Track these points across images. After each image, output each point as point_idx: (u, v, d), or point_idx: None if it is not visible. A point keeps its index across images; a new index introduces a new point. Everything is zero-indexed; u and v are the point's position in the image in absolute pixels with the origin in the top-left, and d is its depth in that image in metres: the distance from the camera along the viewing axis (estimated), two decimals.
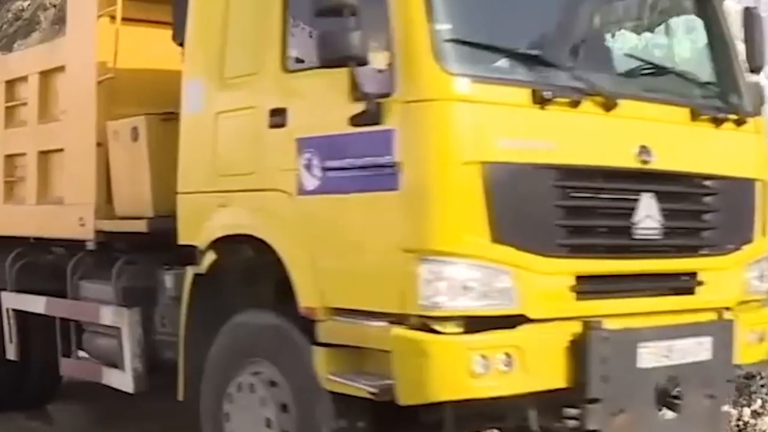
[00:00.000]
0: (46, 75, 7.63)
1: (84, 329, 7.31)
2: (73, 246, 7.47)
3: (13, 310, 8.07)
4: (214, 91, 5.83)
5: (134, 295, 6.66)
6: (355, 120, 4.87)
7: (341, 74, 4.93)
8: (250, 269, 5.90)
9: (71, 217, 7.11)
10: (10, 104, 8.13)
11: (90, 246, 6.96)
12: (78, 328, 7.32)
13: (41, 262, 8.11)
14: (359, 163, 4.91)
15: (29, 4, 22.13)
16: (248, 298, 5.88)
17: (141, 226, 6.41)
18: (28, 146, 7.80)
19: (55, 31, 20.18)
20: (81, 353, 7.61)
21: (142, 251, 6.83)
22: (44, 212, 7.59)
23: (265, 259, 5.72)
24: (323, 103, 5.14)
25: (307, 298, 5.14)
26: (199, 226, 5.88)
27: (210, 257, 5.82)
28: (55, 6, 21.59)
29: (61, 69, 7.38)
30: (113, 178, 6.78)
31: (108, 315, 6.76)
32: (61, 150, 7.36)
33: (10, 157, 8.12)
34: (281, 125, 5.33)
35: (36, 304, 7.74)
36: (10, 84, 8.12)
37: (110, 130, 6.76)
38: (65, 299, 7.38)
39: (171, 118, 6.44)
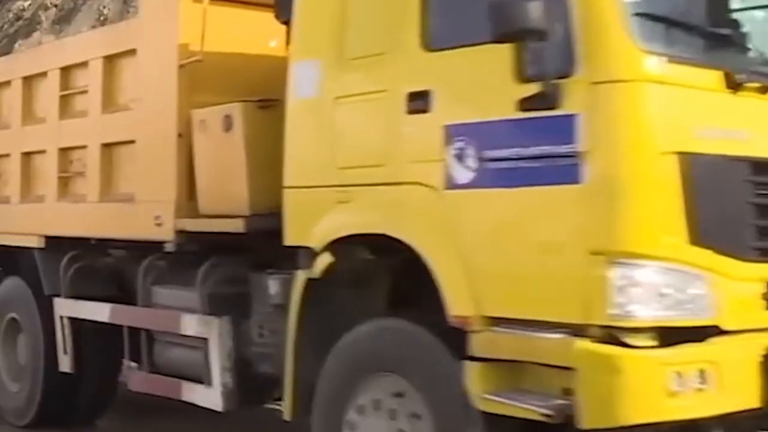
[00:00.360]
0: (111, 60, 7.00)
1: (155, 339, 6.71)
2: (138, 247, 6.88)
3: (69, 318, 7.44)
4: (333, 73, 5.26)
5: (223, 302, 6.07)
6: (527, 104, 4.32)
7: (502, 51, 4.38)
8: (367, 273, 5.35)
9: (144, 216, 6.50)
10: (65, 93, 7.49)
11: (169, 248, 6.34)
12: (149, 338, 6.71)
13: (99, 265, 7.51)
14: (530, 152, 4.35)
15: (30, 4, 21.80)
16: (366, 306, 5.35)
17: (237, 226, 5.80)
18: (88, 138, 7.17)
19: (56, 31, 19.94)
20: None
21: (224, 253, 6.24)
22: (109, 211, 6.96)
23: (386, 262, 5.21)
24: (480, 85, 4.58)
25: (458, 306, 4.57)
26: (313, 224, 5.30)
27: (325, 260, 5.24)
28: (56, 6, 21.27)
29: (131, 53, 6.76)
30: (198, 172, 6.17)
31: (192, 324, 6.16)
32: (131, 142, 6.73)
33: (64, 151, 7.48)
34: (423, 110, 4.77)
35: (98, 311, 7.12)
36: (66, 71, 7.48)
37: (196, 119, 6.15)
38: (135, 306, 6.77)
39: (269, 105, 5.89)
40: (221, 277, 6.15)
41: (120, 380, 7.92)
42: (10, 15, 21.66)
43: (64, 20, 21.02)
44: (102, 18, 20.09)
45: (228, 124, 5.89)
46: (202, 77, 6.28)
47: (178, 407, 6.94)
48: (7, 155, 8.18)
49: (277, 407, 7.89)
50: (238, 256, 6.20)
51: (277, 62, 6.51)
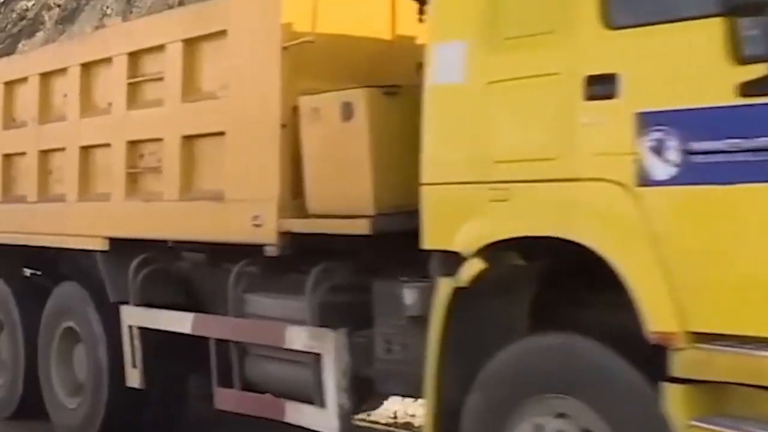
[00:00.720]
0: (192, 43, 6.46)
1: (247, 353, 6.18)
2: (221, 251, 6.36)
3: (139, 328, 6.90)
4: (484, 55, 4.75)
5: (337, 312, 5.56)
6: (752, 88, 3.81)
7: (711, 28, 3.90)
8: (515, 280, 4.87)
9: (238, 216, 5.97)
10: (134, 80, 6.94)
11: (270, 252, 5.80)
12: (240, 352, 6.18)
13: (172, 270, 6.98)
14: (754, 144, 3.83)
15: (33, 4, 21.74)
16: (513, 318, 4.88)
17: (362, 227, 5.28)
18: (164, 130, 6.63)
19: (59, 31, 19.78)
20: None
21: (332, 257, 5.72)
22: (191, 210, 6.41)
23: (533, 268, 4.75)
24: (683, 67, 4.05)
25: (659, 320, 4.07)
26: (459, 226, 4.80)
27: (476, 266, 4.74)
28: (59, 6, 21.10)
29: (219, 35, 6.22)
30: (306, 167, 5.65)
31: (300, 338, 5.64)
32: (220, 134, 6.19)
33: (133, 144, 6.94)
34: (607, 96, 4.26)
35: (177, 321, 6.59)
36: (136, 56, 6.93)
37: (305, 107, 5.63)
38: (223, 316, 6.23)
39: (394, 92, 5.39)
40: (334, 284, 5.63)
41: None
42: (14, 15, 21.65)
43: (67, 20, 20.99)
44: (105, 18, 19.95)
45: (348, 112, 5.37)
46: (308, 61, 5.78)
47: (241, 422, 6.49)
48: (62, 149, 7.64)
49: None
50: (347, 260, 5.70)
51: (383, 46, 6.11)
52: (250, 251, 6.07)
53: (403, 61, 6.16)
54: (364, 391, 5.65)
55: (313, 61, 5.81)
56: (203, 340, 6.50)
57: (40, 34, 20.89)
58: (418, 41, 6.25)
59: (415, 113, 5.21)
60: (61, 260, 8.05)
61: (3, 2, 22.04)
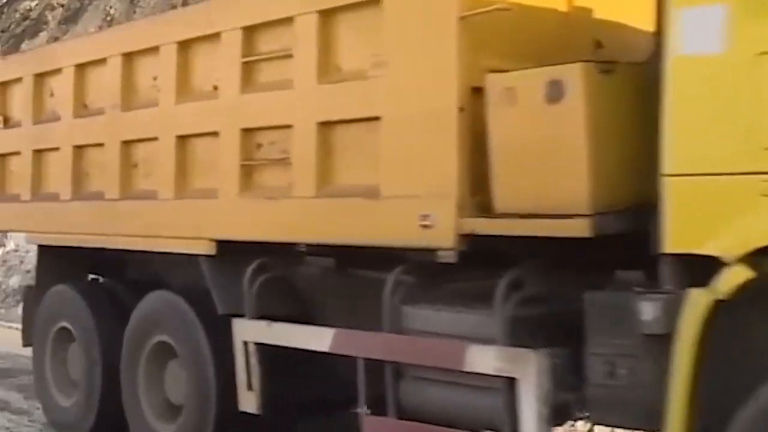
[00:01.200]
0: (330, 14, 5.74)
1: (402, 375, 5.47)
2: (354, 255, 5.67)
3: (257, 344, 6.18)
4: (750, 21, 4.09)
5: (533, 328, 4.87)
6: None
7: None
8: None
9: (401, 216, 5.25)
10: (249, 59, 6.20)
11: (446, 257, 5.07)
12: (396, 374, 5.47)
13: (292, 277, 6.26)
14: None
15: (37, 4, 21.44)
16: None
17: (578, 229, 4.56)
18: (295, 116, 5.89)
19: (62, 31, 19.50)
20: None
21: (513, 263, 5.03)
22: (335, 208, 5.66)
23: None
24: None
25: None
26: (718, 225, 4.14)
27: (741, 274, 4.07)
28: (62, 6, 20.76)
29: (371, 4, 5.48)
30: (496, 157, 4.91)
31: (485, 358, 4.91)
32: (373, 119, 5.47)
33: (248, 132, 6.21)
34: None
35: (313, 338, 5.85)
36: (251, 31, 6.20)
37: (495, 88, 4.91)
38: (376, 333, 5.50)
39: (610, 69, 4.73)
40: (526, 294, 4.92)
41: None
42: (17, 15, 21.54)
43: (70, 20, 20.81)
44: (108, 18, 19.60)
45: (557, 92, 4.66)
46: (489, 34, 5.09)
47: None
48: (153, 139, 6.90)
49: None
50: (538, 266, 5.02)
51: (559, 18, 5.49)
52: (398, 255, 5.39)
53: (579, 37, 5.51)
54: (558, 421, 4.99)
55: (492, 35, 5.12)
56: (332, 357, 5.82)
57: (43, 34, 20.77)
58: (595, 15, 5.65)
59: (632, 94, 4.66)
60: (146, 265, 7.34)
61: (6, 2, 21.85)
